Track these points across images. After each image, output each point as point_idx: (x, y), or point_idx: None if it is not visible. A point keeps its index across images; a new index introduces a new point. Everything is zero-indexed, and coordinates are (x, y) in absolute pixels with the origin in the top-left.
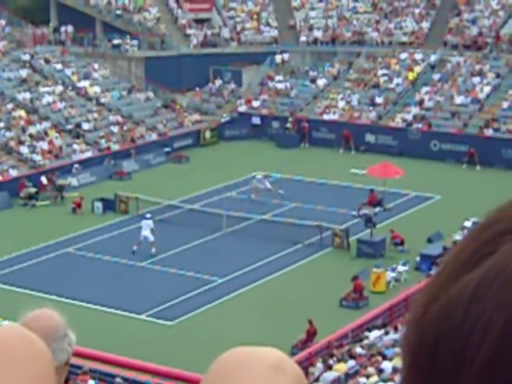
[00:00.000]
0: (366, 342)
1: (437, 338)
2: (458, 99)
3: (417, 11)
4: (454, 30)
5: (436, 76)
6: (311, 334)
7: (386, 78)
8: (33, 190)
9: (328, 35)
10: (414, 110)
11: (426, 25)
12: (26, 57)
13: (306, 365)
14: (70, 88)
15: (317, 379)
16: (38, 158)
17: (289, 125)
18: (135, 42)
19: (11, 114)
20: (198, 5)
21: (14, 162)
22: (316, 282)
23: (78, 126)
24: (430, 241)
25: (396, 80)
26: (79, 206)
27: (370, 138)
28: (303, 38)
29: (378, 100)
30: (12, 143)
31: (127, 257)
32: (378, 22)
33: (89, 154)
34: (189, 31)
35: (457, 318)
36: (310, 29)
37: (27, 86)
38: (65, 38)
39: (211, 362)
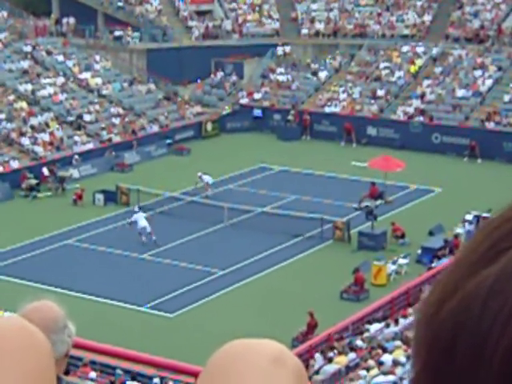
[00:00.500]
0: (366, 334)
1: (454, 333)
2: (460, 92)
3: (419, 4)
4: (456, 23)
5: (438, 69)
6: (312, 327)
7: (387, 70)
8: (34, 181)
9: (330, 28)
10: (416, 102)
11: (427, 18)
12: (28, 48)
13: (306, 357)
14: (72, 80)
15: (317, 372)
16: (39, 149)
17: (290, 117)
18: (137, 33)
19: (13, 106)
20: None
21: (15, 153)
22: (317, 275)
23: (80, 117)
24: (431, 233)
25: (398, 73)
26: (80, 197)
27: (371, 130)
28: (305, 31)
29: (380, 93)
30: (13, 134)
31: (128, 249)
32: (379, 14)
33: (90, 146)
34: (190, 23)
35: (475, 312)
36: (312, 21)
37: (29, 77)
38: (66, 30)
39: (211, 354)
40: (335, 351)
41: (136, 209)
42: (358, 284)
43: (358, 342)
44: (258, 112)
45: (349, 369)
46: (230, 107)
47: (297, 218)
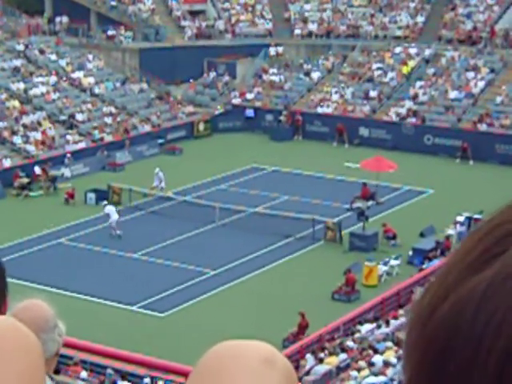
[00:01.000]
0: (357, 335)
1: (447, 337)
2: (452, 94)
3: (412, 5)
4: (449, 25)
5: (430, 70)
6: (303, 327)
7: (380, 71)
8: (26, 180)
9: (323, 28)
10: (408, 104)
11: (420, 19)
12: (21, 47)
13: (297, 358)
14: (64, 78)
15: (308, 372)
16: (31, 148)
17: (282, 118)
18: (130, 33)
19: (5, 104)
20: None
21: (7, 152)
22: (308, 276)
23: (72, 116)
24: (422, 235)
25: (390, 74)
26: (72, 196)
27: (363, 131)
28: (298, 31)
29: (372, 94)
30: (5, 133)
31: (119, 248)
32: (372, 15)
33: (82, 145)
34: (183, 23)
35: (468, 317)
36: (305, 22)
37: (21, 76)
38: (59, 29)
39: (202, 354)
40: (326, 352)
41: (105, 202)
42: (350, 285)
43: (349, 343)
44: (250, 112)
45: (340, 369)
46: (223, 107)
47: (288, 219)
